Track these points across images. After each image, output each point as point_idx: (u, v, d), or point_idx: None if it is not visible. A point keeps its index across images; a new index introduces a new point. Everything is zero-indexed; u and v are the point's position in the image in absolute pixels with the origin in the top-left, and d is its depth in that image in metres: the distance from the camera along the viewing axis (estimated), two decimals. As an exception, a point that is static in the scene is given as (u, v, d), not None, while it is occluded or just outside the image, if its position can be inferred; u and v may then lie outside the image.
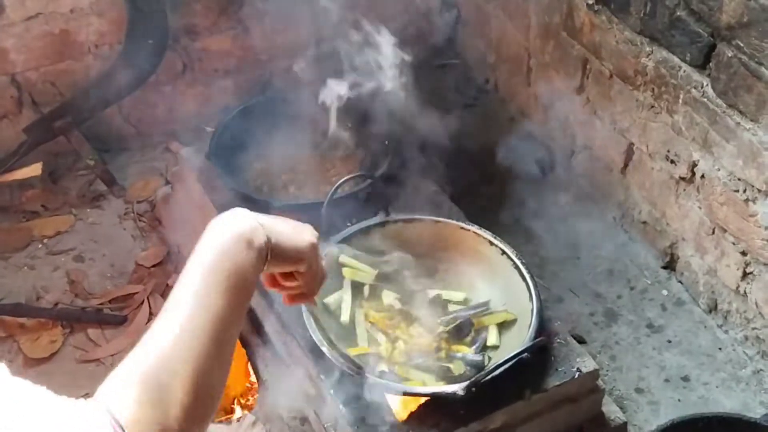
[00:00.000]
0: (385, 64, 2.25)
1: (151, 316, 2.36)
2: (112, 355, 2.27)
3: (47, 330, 2.31)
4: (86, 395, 2.09)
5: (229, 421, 2.09)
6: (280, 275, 1.32)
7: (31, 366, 2.22)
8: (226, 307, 1.09)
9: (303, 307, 1.81)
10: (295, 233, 1.29)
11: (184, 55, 2.81)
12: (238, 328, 1.13)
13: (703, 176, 2.16)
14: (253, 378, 2.19)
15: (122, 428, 0.93)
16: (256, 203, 2.16)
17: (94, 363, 2.26)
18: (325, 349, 1.73)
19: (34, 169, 2.63)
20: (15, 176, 2.61)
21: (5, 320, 2.31)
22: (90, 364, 2.25)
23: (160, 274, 2.47)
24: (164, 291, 2.42)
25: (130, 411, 0.95)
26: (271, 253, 1.21)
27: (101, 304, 2.39)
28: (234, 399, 2.29)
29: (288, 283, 1.35)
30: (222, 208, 2.16)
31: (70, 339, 2.31)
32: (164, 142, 2.88)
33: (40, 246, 2.55)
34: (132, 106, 2.82)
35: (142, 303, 2.39)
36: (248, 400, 2.24)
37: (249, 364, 2.20)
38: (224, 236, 1.16)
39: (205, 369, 1.02)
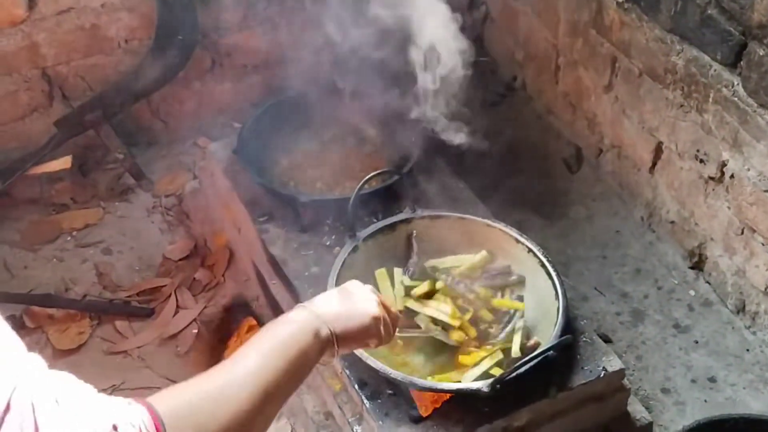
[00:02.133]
0: (415, 61, 2.26)
1: (178, 309, 2.38)
2: (138, 348, 2.29)
3: (75, 322, 2.33)
4: (114, 387, 2.12)
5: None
6: None
7: (60, 357, 2.24)
8: (282, 373, 1.20)
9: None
10: (356, 315, 1.38)
11: (212, 51, 2.82)
12: (286, 397, 1.23)
13: (732, 176, 2.14)
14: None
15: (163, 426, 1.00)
16: (282, 198, 2.17)
17: (122, 355, 2.28)
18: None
19: (64, 162, 2.66)
20: (45, 169, 2.64)
21: (34, 312, 2.33)
22: (117, 356, 2.28)
23: (187, 268, 2.49)
24: (191, 284, 2.44)
25: (171, 415, 1.02)
26: (338, 341, 1.33)
27: (129, 296, 2.41)
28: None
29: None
30: (249, 202, 2.20)
31: (97, 331, 2.33)
32: (192, 137, 2.89)
33: (69, 238, 2.58)
34: (161, 101, 2.84)
35: (169, 296, 2.40)
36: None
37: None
38: (294, 324, 1.29)
39: (243, 420, 1.11)
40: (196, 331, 2.33)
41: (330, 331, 1.31)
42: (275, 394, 1.18)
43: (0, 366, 0.86)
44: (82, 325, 2.32)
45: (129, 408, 0.98)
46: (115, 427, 0.93)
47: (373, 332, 1.41)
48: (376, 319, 1.40)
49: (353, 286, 1.47)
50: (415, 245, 2.02)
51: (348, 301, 1.40)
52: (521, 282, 1.96)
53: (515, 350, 1.79)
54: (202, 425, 1.07)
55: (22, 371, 0.89)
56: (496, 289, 1.97)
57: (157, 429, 0.99)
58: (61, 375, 0.94)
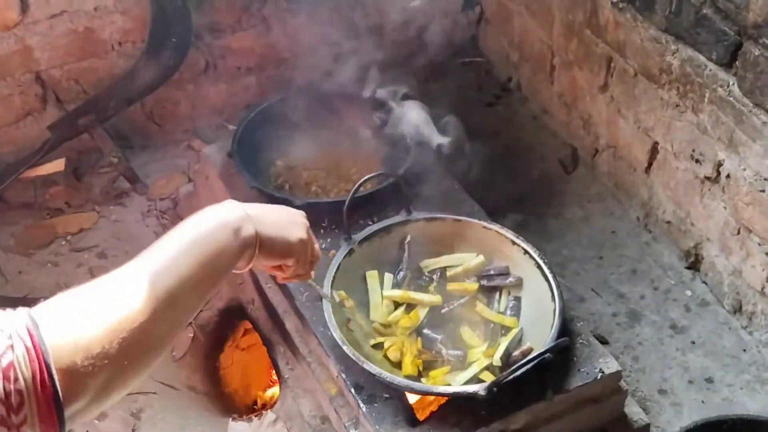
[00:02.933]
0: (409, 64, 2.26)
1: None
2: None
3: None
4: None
5: (250, 419, 2.10)
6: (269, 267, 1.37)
7: None
8: (192, 276, 1.09)
9: (323, 306, 1.81)
10: (285, 228, 1.33)
11: (207, 53, 2.82)
12: (197, 303, 1.13)
13: (728, 176, 2.14)
14: (274, 376, 2.19)
15: (38, 328, 0.91)
16: (277, 201, 2.16)
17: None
18: (345, 347, 1.73)
19: (57, 165, 2.65)
20: (38, 172, 2.63)
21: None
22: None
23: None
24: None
25: (50, 319, 0.94)
26: (259, 247, 1.24)
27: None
28: (256, 397, 2.30)
29: (279, 273, 1.42)
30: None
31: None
32: (187, 139, 2.89)
33: (63, 243, 2.57)
34: (155, 104, 2.83)
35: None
36: (270, 398, 2.24)
37: (270, 362, 2.20)
38: (211, 220, 1.19)
39: (137, 323, 0.99)
40: (191, 335, 2.32)
41: (255, 231, 1.23)
42: (180, 296, 1.06)
43: None
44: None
45: (8, 316, 0.92)
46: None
47: (296, 252, 1.34)
48: (302, 241, 1.35)
49: (287, 208, 1.41)
50: (407, 249, 2.01)
51: (280, 213, 1.35)
52: (519, 284, 1.96)
53: (496, 358, 1.78)
54: (85, 325, 0.95)
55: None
56: (493, 290, 1.97)
57: (29, 334, 0.90)
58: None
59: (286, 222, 1.35)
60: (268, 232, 1.26)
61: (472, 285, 1.96)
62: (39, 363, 0.89)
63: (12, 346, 0.89)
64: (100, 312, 0.98)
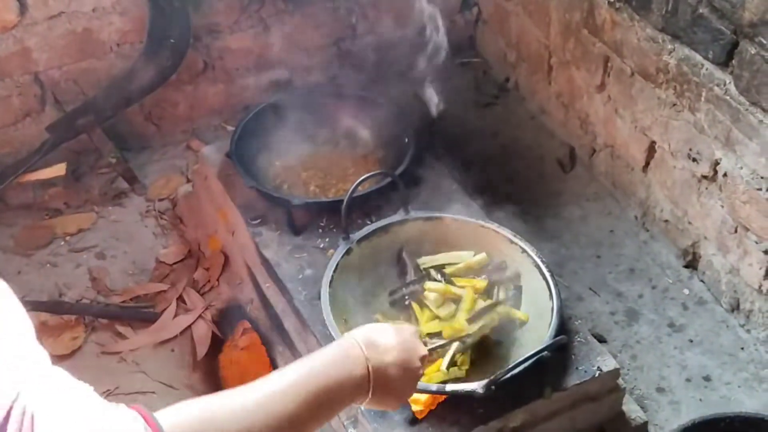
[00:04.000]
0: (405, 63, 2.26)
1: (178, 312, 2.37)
2: (132, 351, 2.29)
3: (69, 328, 2.32)
4: (108, 392, 2.11)
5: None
6: None
7: (54, 363, 2.23)
8: (302, 417, 1.13)
9: (322, 305, 1.82)
10: (399, 389, 1.32)
11: (205, 54, 2.82)
12: None
13: (725, 174, 2.15)
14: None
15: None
16: (276, 201, 2.17)
17: (116, 360, 2.27)
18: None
19: (59, 169, 2.65)
20: (39, 176, 2.63)
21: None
22: (111, 361, 2.27)
23: (184, 271, 2.48)
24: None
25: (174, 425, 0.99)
26: (373, 389, 1.26)
27: (123, 301, 2.41)
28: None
29: None
30: (242, 206, 2.20)
31: (91, 336, 2.33)
32: (185, 140, 2.89)
33: (62, 243, 2.57)
34: (153, 105, 2.83)
35: (177, 298, 2.40)
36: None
37: (269, 362, 2.21)
38: (340, 373, 1.22)
39: None
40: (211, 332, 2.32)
41: (369, 390, 1.25)
42: (292, 426, 1.12)
43: (5, 371, 0.84)
44: (76, 331, 2.32)
45: (130, 422, 0.94)
46: None
47: (408, 391, 1.37)
48: (407, 397, 1.39)
49: (411, 343, 1.37)
50: (408, 262, 2.01)
51: (401, 367, 1.31)
52: (517, 276, 1.96)
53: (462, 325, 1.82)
54: None
55: (26, 376, 0.86)
56: (493, 285, 1.97)
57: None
58: (62, 378, 0.92)
59: (403, 381, 1.32)
60: (380, 394, 1.28)
61: (481, 282, 1.95)
62: None
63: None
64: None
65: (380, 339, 1.31)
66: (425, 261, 2.01)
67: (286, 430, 1.11)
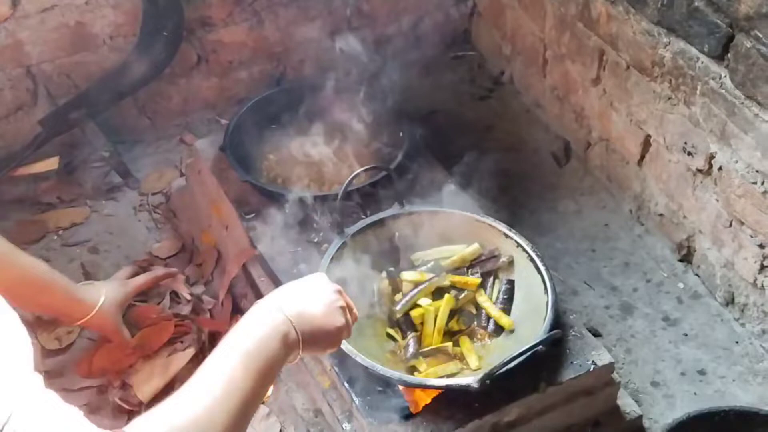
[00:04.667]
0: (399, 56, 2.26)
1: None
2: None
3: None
4: (99, 387, 2.09)
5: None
6: None
7: (48, 356, 2.22)
8: (253, 390, 1.21)
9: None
10: (325, 321, 1.38)
11: (198, 47, 2.81)
12: (256, 409, 1.26)
13: (720, 168, 2.14)
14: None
15: None
16: (270, 194, 2.16)
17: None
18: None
19: (51, 163, 2.64)
20: (32, 170, 2.62)
21: (22, 314, 2.30)
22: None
23: (177, 265, 2.47)
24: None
25: None
26: (302, 346, 1.33)
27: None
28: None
29: None
30: (236, 200, 2.19)
31: (84, 331, 2.31)
32: (179, 134, 2.88)
33: (55, 238, 2.56)
34: (147, 98, 2.82)
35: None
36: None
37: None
38: (263, 328, 1.28)
39: None
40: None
41: (297, 334, 1.31)
42: (248, 407, 1.20)
43: None
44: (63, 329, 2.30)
45: None
46: None
47: (336, 342, 1.43)
48: (339, 330, 1.42)
49: (321, 285, 1.46)
50: (400, 247, 2.01)
51: (317, 303, 1.40)
52: (510, 263, 1.96)
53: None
54: None
55: (18, 399, 0.87)
56: (487, 274, 1.96)
57: None
58: (53, 402, 0.92)
59: (325, 314, 1.39)
60: (310, 331, 1.34)
61: (474, 279, 1.95)
62: None
63: None
64: None
65: (296, 297, 1.38)
66: (418, 257, 2.01)
67: (243, 413, 1.18)
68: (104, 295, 1.96)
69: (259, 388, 1.22)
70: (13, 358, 0.90)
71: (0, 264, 1.70)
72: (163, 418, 1.11)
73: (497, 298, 1.91)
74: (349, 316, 1.46)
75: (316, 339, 1.36)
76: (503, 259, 1.96)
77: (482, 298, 1.92)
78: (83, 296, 1.92)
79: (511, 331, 1.87)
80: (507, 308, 1.90)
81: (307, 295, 1.40)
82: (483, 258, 1.99)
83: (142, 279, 2.16)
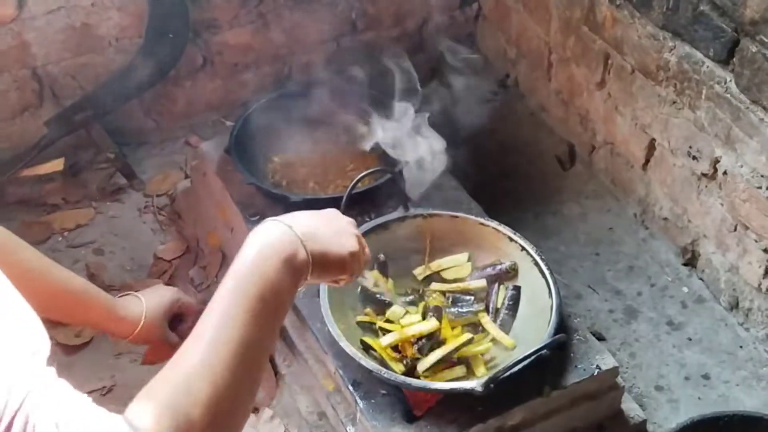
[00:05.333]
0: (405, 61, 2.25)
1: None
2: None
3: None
4: (104, 388, 2.10)
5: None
6: None
7: (67, 353, 2.23)
8: (254, 332, 1.05)
9: (321, 302, 1.81)
10: (337, 242, 1.25)
11: (204, 49, 2.81)
12: (268, 351, 1.10)
13: (725, 173, 2.14)
14: (271, 372, 2.19)
15: None
16: (275, 198, 2.17)
17: (114, 354, 2.27)
18: (343, 343, 1.73)
19: (56, 165, 2.64)
20: (37, 171, 2.62)
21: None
22: (110, 356, 2.26)
23: (181, 267, 2.47)
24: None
25: (149, 426, 0.94)
26: (312, 269, 1.18)
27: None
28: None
29: (332, 284, 1.40)
30: (241, 202, 2.19)
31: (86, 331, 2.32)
32: (184, 136, 2.88)
33: (60, 239, 2.56)
34: (152, 100, 2.82)
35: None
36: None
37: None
38: (260, 254, 1.12)
39: (227, 394, 1.00)
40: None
41: (308, 253, 1.16)
42: (255, 344, 1.05)
43: (8, 380, 0.84)
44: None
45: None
46: None
47: (349, 266, 1.28)
48: (353, 255, 1.28)
49: (333, 213, 1.34)
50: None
51: (329, 225, 1.26)
52: (515, 270, 1.96)
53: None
54: (187, 415, 0.96)
55: (31, 386, 0.85)
56: (492, 282, 1.96)
57: None
58: (62, 390, 0.91)
59: (337, 235, 1.27)
60: (321, 251, 1.19)
61: (479, 283, 1.94)
62: None
63: None
64: (194, 397, 0.97)
65: (306, 217, 1.24)
66: (419, 272, 2.01)
67: (248, 364, 1.04)
68: (146, 307, 1.77)
69: (263, 327, 1.07)
70: (24, 346, 0.89)
71: (33, 276, 1.60)
72: (157, 387, 0.99)
73: (503, 303, 1.91)
74: (363, 244, 1.34)
75: (325, 261, 1.21)
76: (505, 265, 1.96)
77: (485, 320, 1.91)
78: (125, 313, 1.73)
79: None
80: (512, 314, 1.90)
81: (319, 217, 1.28)
82: (484, 267, 1.98)
83: (183, 297, 1.90)
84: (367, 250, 1.38)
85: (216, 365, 1.00)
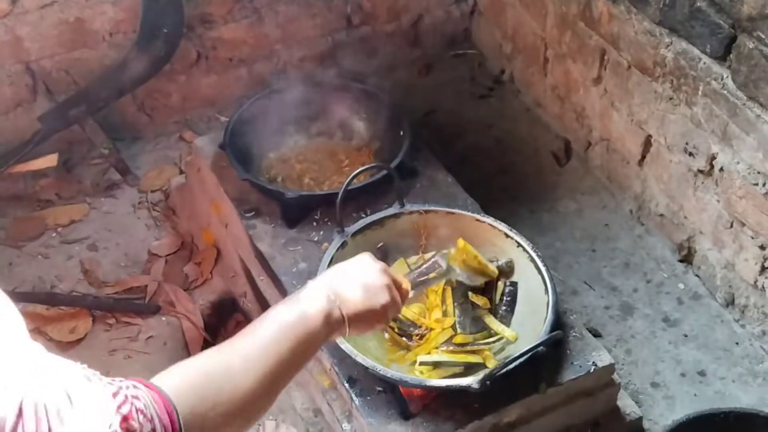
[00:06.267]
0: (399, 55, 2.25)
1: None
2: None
3: (66, 320, 2.30)
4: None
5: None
6: None
7: (62, 349, 2.23)
8: (289, 359, 1.23)
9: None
10: (370, 299, 1.40)
11: (198, 44, 2.80)
12: (291, 378, 1.27)
13: (721, 169, 2.14)
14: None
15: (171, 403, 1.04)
16: (270, 193, 2.16)
17: (108, 351, 2.26)
18: (338, 340, 1.72)
19: (50, 160, 2.62)
20: (30, 167, 2.60)
21: (28, 313, 2.29)
22: (104, 352, 2.25)
23: (176, 263, 2.46)
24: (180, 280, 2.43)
25: (177, 393, 1.06)
26: (348, 326, 1.36)
27: (116, 292, 2.39)
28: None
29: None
30: (236, 198, 2.18)
31: (98, 323, 2.32)
32: (178, 131, 2.87)
33: (54, 235, 2.55)
34: (146, 95, 2.81)
35: (155, 293, 2.38)
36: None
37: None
38: (306, 304, 1.31)
39: (251, 400, 1.16)
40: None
41: (342, 314, 1.34)
42: (281, 375, 1.21)
43: (7, 369, 0.84)
44: (76, 321, 2.30)
45: (137, 394, 1.00)
46: (125, 418, 0.94)
47: (384, 318, 1.44)
48: (385, 307, 1.42)
49: (367, 264, 1.47)
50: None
51: (361, 279, 1.41)
52: (510, 266, 1.95)
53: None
54: (210, 404, 1.10)
55: (30, 371, 0.87)
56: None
57: (168, 413, 1.02)
58: (64, 364, 0.93)
59: (370, 291, 1.40)
60: (354, 310, 1.36)
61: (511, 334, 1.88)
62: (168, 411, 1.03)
63: (136, 396, 1.00)
64: (221, 389, 1.13)
65: (342, 277, 1.40)
66: (413, 262, 2.00)
67: (275, 378, 1.20)
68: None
69: (294, 358, 1.24)
70: (13, 332, 0.90)
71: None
72: (197, 363, 1.17)
73: (500, 300, 1.91)
74: (396, 293, 1.46)
75: (360, 318, 1.37)
76: (501, 262, 1.95)
77: (488, 318, 1.90)
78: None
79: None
80: (511, 310, 1.89)
81: (353, 275, 1.42)
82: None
83: None
84: (404, 285, 1.53)
85: (255, 374, 1.17)
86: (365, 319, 1.39)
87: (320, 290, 1.34)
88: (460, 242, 1.87)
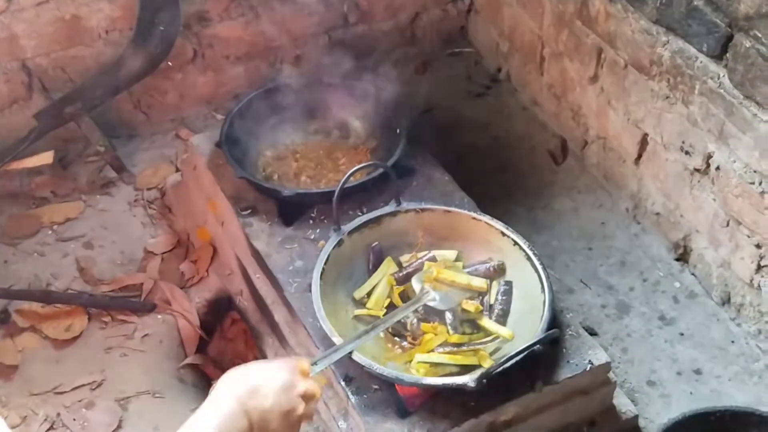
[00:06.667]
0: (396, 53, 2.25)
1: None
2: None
3: (62, 318, 2.30)
4: (94, 382, 2.08)
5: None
6: None
7: (57, 347, 2.23)
8: None
9: (313, 298, 1.80)
10: (280, 410, 1.39)
11: (195, 42, 2.79)
12: None
13: (718, 168, 2.14)
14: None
15: None
16: (266, 191, 2.15)
17: (104, 349, 2.26)
18: (335, 338, 1.72)
19: (46, 157, 2.62)
20: (26, 164, 2.60)
21: (23, 311, 2.29)
22: (100, 350, 2.25)
23: (172, 261, 2.46)
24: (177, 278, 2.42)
25: None
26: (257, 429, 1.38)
27: (112, 290, 2.39)
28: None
29: None
30: (232, 196, 2.18)
31: (94, 321, 2.31)
32: (174, 129, 2.87)
33: (49, 233, 2.55)
34: (142, 93, 2.81)
35: (151, 290, 2.38)
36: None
37: (258, 353, 2.20)
38: (216, 417, 1.35)
39: None
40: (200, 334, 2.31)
41: (251, 425, 1.36)
42: None
43: None
44: (72, 319, 2.30)
45: None
46: None
47: (293, 427, 1.44)
48: (298, 418, 1.43)
49: (282, 373, 1.44)
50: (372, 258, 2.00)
51: (274, 394, 1.40)
52: (502, 268, 1.95)
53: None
54: None
55: None
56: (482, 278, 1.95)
57: None
58: None
59: (280, 403, 1.40)
60: (262, 419, 1.38)
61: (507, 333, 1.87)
62: None
63: None
64: None
65: (252, 386, 1.40)
66: (406, 260, 2.00)
67: None
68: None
69: None
70: None
71: None
72: None
73: (495, 299, 1.91)
74: (309, 404, 1.46)
75: (269, 427, 1.39)
76: (494, 263, 1.95)
77: (483, 320, 1.90)
78: None
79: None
80: (506, 309, 1.89)
81: (264, 384, 1.41)
82: (475, 263, 1.97)
83: None
84: (318, 395, 1.48)
85: None
86: (275, 428, 1.40)
87: (230, 400, 1.37)
88: (436, 269, 1.89)
